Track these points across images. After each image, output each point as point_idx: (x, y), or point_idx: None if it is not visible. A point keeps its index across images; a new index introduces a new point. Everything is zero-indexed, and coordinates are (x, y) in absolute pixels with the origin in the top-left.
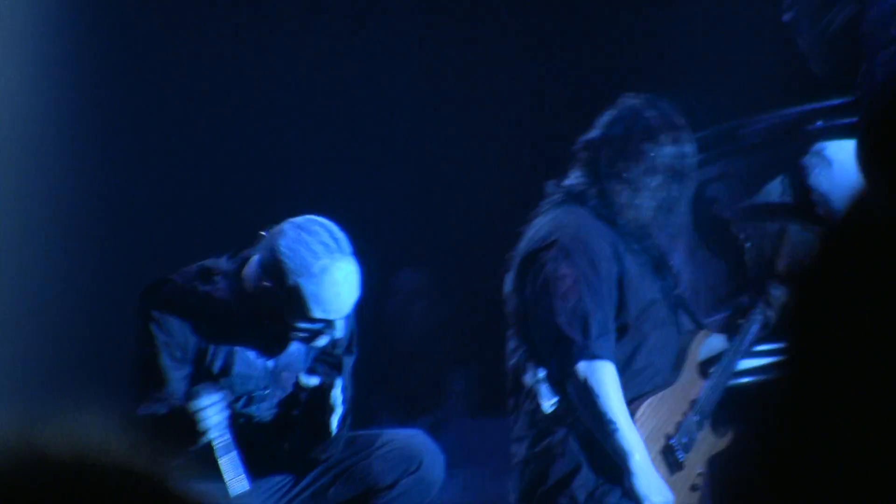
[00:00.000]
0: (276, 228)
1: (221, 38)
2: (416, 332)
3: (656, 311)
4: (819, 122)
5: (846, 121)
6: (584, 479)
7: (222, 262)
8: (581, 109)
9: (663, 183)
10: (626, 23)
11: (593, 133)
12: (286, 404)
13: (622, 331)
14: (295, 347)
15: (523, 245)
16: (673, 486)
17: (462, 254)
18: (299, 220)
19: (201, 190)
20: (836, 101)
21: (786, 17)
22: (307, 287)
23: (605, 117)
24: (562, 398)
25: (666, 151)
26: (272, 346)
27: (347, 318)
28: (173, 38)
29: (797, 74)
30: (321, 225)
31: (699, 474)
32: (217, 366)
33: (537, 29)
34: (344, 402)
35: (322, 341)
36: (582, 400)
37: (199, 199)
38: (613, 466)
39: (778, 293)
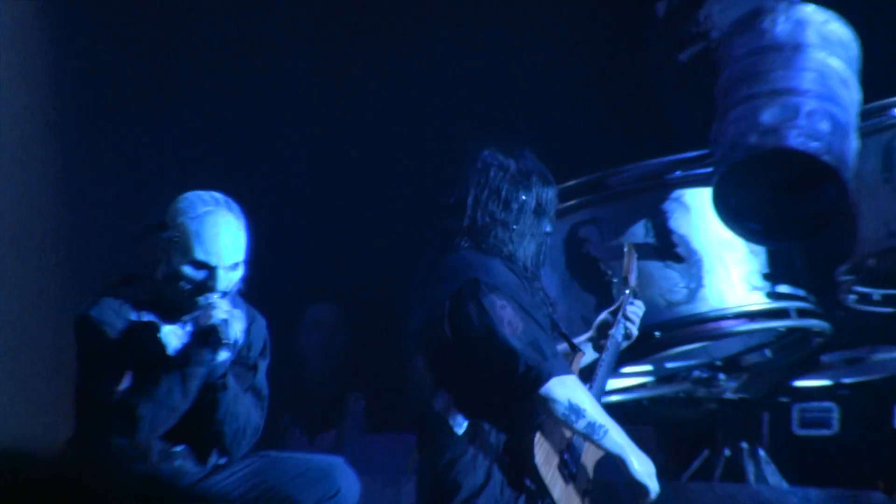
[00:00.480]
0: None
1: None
2: (320, 359)
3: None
4: (678, 172)
5: (702, 171)
6: (492, 490)
7: (140, 271)
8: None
9: (539, 224)
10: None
11: (464, 187)
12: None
13: None
14: (222, 358)
15: (439, 288)
16: (570, 496)
17: (361, 290)
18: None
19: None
20: (692, 154)
21: (651, 79)
22: (190, 226)
23: (472, 171)
24: (471, 422)
25: (538, 194)
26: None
27: (254, 323)
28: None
29: (658, 129)
30: (219, 193)
31: (589, 480)
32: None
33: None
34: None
35: (217, 314)
36: (568, 417)
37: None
38: (516, 478)
39: (632, 306)
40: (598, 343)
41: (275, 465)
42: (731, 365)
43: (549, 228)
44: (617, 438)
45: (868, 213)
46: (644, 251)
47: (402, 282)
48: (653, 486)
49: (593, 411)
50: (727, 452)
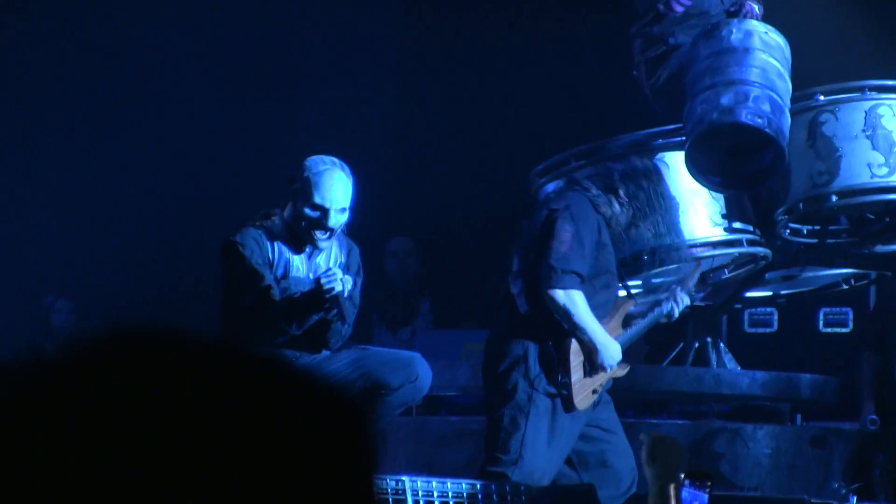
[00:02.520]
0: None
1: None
2: (399, 276)
3: (605, 279)
4: (660, 140)
5: (677, 139)
6: (529, 363)
7: (275, 210)
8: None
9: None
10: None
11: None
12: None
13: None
14: (325, 265)
15: (547, 205)
16: (583, 386)
17: (430, 226)
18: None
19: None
20: (670, 127)
21: (634, 72)
22: (312, 179)
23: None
24: (531, 307)
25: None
26: (310, 259)
27: (352, 252)
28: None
29: (646, 109)
30: (330, 158)
31: (601, 384)
32: (279, 273)
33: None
34: (349, 297)
35: (324, 238)
36: (561, 315)
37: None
38: (549, 359)
39: (682, 297)
40: (650, 307)
41: (370, 355)
42: (700, 280)
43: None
44: (593, 337)
45: (797, 170)
46: None
47: (458, 220)
48: (611, 365)
49: (581, 317)
50: (696, 345)
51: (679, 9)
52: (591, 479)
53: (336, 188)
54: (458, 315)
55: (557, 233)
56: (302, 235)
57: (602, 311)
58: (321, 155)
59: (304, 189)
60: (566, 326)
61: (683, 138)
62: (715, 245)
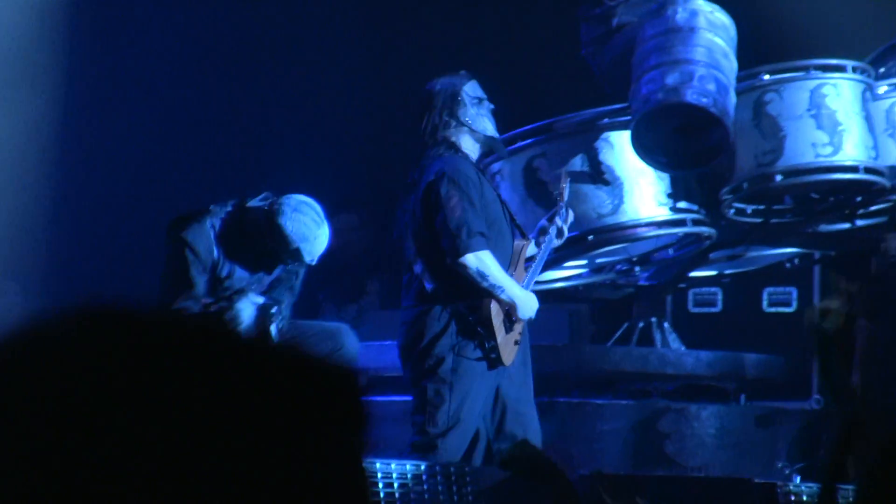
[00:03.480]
0: (279, 204)
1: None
2: (345, 253)
3: (497, 228)
4: (606, 119)
5: (623, 118)
6: (449, 337)
7: (229, 205)
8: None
9: (481, 108)
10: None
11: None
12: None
13: None
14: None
15: (423, 179)
16: (507, 342)
17: (376, 202)
18: (293, 202)
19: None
20: (617, 106)
21: (583, 52)
22: (304, 248)
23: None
24: (438, 283)
25: (466, 90)
26: (261, 264)
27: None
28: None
29: (595, 88)
30: (309, 205)
31: (519, 333)
32: (224, 272)
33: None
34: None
35: (294, 267)
36: (476, 279)
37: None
38: (470, 326)
39: (564, 215)
40: (538, 241)
41: (296, 327)
42: (644, 260)
43: (489, 106)
44: (510, 293)
45: (742, 150)
46: (581, 177)
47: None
48: (528, 315)
49: (495, 276)
50: (641, 325)
51: None
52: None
53: (324, 243)
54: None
55: (445, 201)
56: (269, 254)
57: (503, 262)
58: (299, 208)
59: (295, 255)
60: (483, 288)
61: (629, 118)
62: (660, 225)
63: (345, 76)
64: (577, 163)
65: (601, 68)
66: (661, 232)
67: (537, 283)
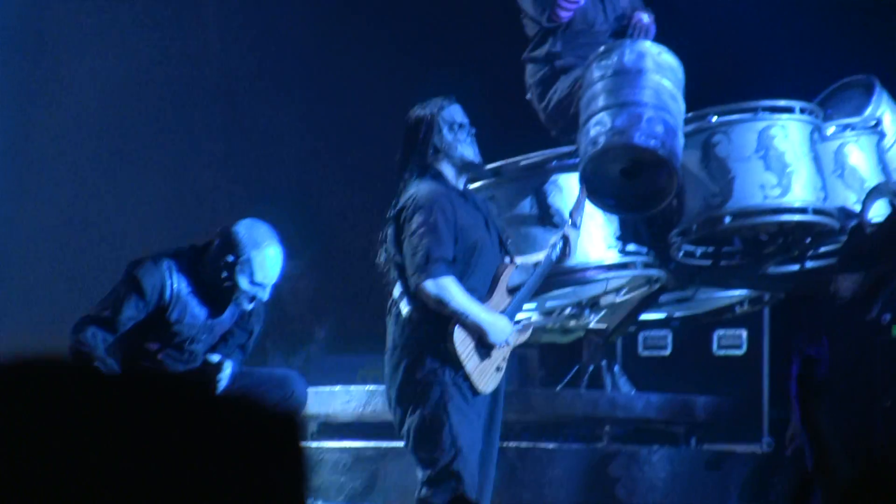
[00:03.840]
0: (234, 226)
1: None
2: (291, 301)
3: (476, 252)
4: (554, 162)
5: (572, 161)
6: (431, 362)
7: (185, 249)
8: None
9: (458, 133)
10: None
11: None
12: (212, 348)
13: (452, 263)
14: (227, 314)
15: (397, 205)
16: (483, 370)
17: (323, 249)
18: (250, 219)
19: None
20: (565, 149)
21: (528, 96)
22: (257, 257)
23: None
24: (413, 307)
25: (446, 116)
26: (214, 310)
27: (271, 289)
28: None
29: (541, 131)
30: (263, 223)
31: (503, 359)
32: (174, 316)
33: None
34: (235, 367)
35: (250, 305)
36: (436, 306)
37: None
38: (443, 354)
39: (572, 233)
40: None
41: (246, 375)
42: (594, 303)
43: (471, 129)
44: (475, 318)
45: (691, 192)
46: (529, 220)
47: (356, 241)
48: (502, 341)
49: (457, 302)
50: (591, 368)
51: (564, 15)
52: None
53: (277, 265)
54: (356, 339)
55: (410, 226)
56: (224, 295)
57: (482, 286)
58: (254, 223)
59: (243, 266)
60: (446, 314)
61: (578, 160)
62: (609, 268)
63: (280, 120)
64: (526, 206)
65: (546, 111)
66: (611, 275)
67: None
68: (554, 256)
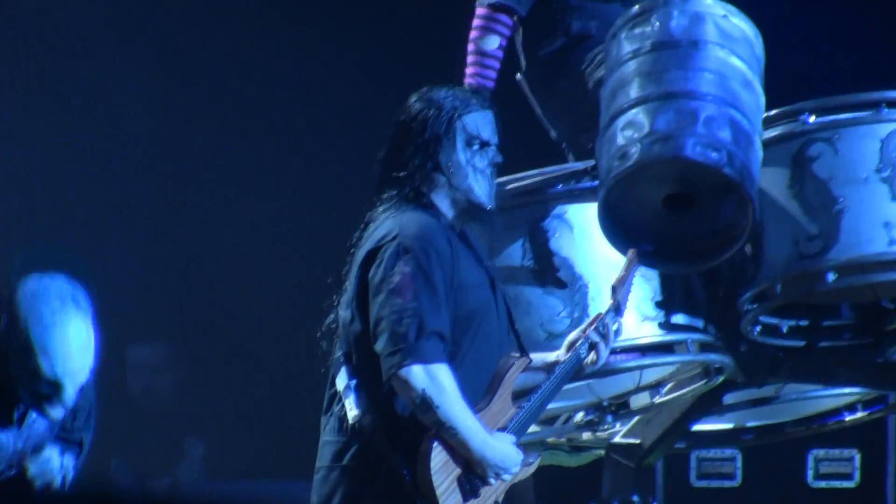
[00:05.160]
0: (18, 290)
1: None
2: (147, 401)
3: (475, 326)
4: (559, 186)
5: (586, 184)
6: (377, 500)
7: None
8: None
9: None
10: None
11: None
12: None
13: None
14: (43, 427)
15: (364, 245)
16: None
17: (197, 326)
18: (36, 277)
19: None
20: (575, 165)
21: (518, 76)
22: (38, 337)
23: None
24: (366, 410)
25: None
26: (20, 424)
27: (81, 388)
28: None
29: (540, 139)
30: (64, 280)
31: (495, 502)
32: None
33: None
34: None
35: (56, 413)
36: (418, 407)
37: None
38: (402, 485)
39: (610, 321)
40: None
41: None
42: (621, 405)
43: (495, 158)
44: (468, 437)
45: (774, 232)
46: (520, 275)
47: (244, 314)
48: (501, 473)
49: (449, 408)
50: None
51: None
52: None
53: (75, 349)
54: (245, 460)
55: (387, 280)
56: (21, 399)
57: (478, 380)
58: (46, 285)
59: (24, 350)
60: (426, 423)
61: (596, 183)
62: (644, 350)
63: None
64: (516, 254)
65: (547, 103)
66: (647, 362)
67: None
68: (584, 353)
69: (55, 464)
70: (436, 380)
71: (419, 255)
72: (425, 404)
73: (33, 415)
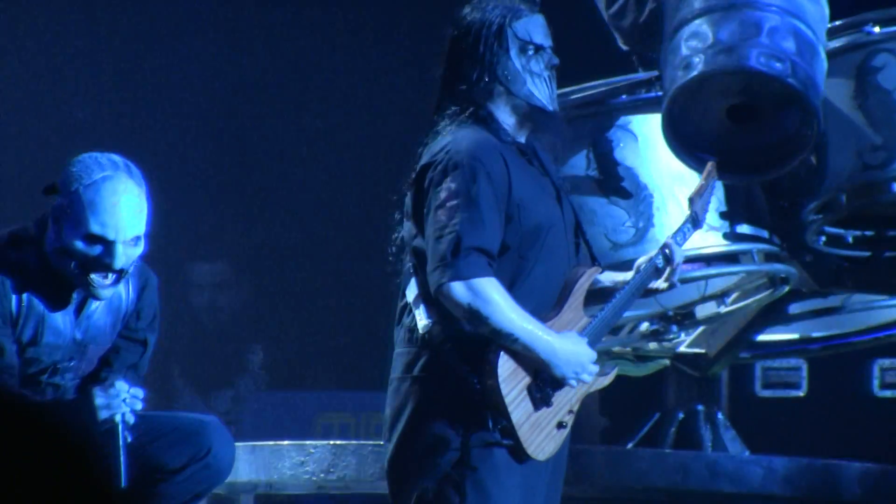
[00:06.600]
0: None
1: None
2: (210, 316)
3: (538, 241)
4: (623, 97)
5: (650, 95)
6: (452, 409)
7: (31, 228)
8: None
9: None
10: None
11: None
12: (89, 378)
13: (500, 253)
14: (102, 320)
15: (422, 160)
16: (535, 424)
17: (255, 244)
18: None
19: None
20: (640, 76)
21: None
22: (85, 194)
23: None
24: (435, 320)
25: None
26: (78, 312)
27: (141, 289)
28: None
29: (603, 49)
30: (118, 155)
31: (570, 412)
32: (27, 335)
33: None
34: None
35: (107, 291)
36: (467, 321)
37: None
38: (473, 394)
39: (688, 233)
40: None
41: (141, 424)
42: (686, 315)
43: (552, 60)
44: (532, 342)
45: (838, 143)
46: (584, 185)
47: (300, 237)
48: (577, 376)
49: (502, 316)
50: (680, 416)
51: None
52: None
53: (124, 207)
54: (307, 371)
55: (437, 196)
56: (70, 278)
57: (547, 292)
58: (96, 153)
59: (72, 210)
60: (484, 335)
61: (660, 94)
62: (710, 260)
63: (206, 83)
64: (580, 164)
65: (618, 18)
66: (712, 272)
67: None
68: (660, 263)
69: (124, 396)
70: (479, 293)
71: (466, 172)
72: (474, 318)
73: (92, 304)
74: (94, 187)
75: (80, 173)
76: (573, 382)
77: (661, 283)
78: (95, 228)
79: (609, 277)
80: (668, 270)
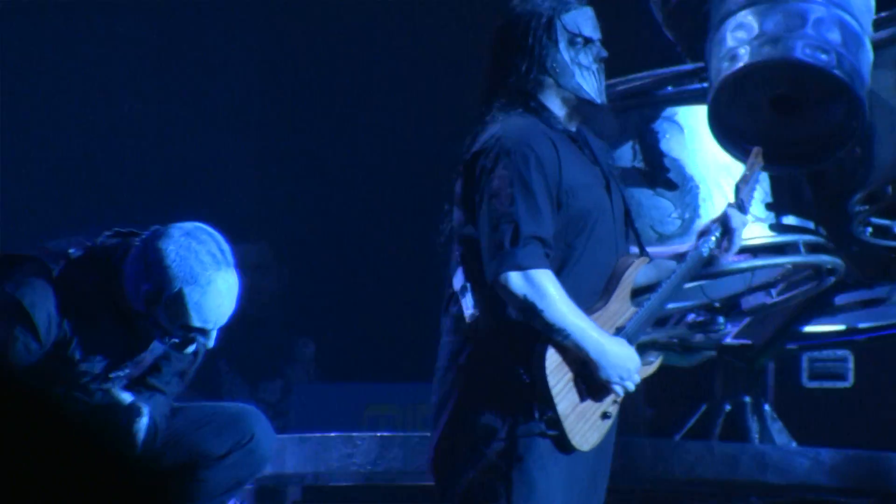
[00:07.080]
0: (162, 230)
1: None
2: (261, 301)
3: (587, 230)
4: (669, 88)
5: (696, 86)
6: (499, 399)
7: (112, 251)
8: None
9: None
10: None
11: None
12: (136, 381)
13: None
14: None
15: (473, 148)
16: (581, 415)
17: (301, 227)
18: (187, 226)
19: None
20: (686, 67)
21: None
22: (191, 296)
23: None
24: (481, 310)
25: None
26: (136, 342)
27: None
28: None
29: (648, 40)
30: (209, 234)
31: (614, 402)
32: (78, 353)
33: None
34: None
35: (191, 348)
36: (522, 312)
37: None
38: (520, 385)
39: (737, 219)
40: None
41: (178, 414)
42: (732, 307)
43: (600, 53)
44: (581, 339)
45: (885, 134)
46: (631, 177)
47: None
48: (621, 378)
49: (556, 312)
50: (727, 407)
51: None
52: None
53: (227, 302)
54: (357, 362)
55: (490, 184)
56: (151, 335)
57: (594, 281)
58: (189, 239)
59: (174, 305)
60: (536, 327)
61: (706, 85)
62: (756, 252)
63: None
64: (626, 155)
65: (668, 5)
66: (758, 263)
67: None
68: (706, 251)
69: (142, 422)
70: (536, 285)
71: (517, 158)
72: (529, 310)
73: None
74: (201, 290)
75: (183, 274)
76: (618, 388)
77: (720, 252)
78: (197, 323)
79: (659, 253)
80: (725, 240)
